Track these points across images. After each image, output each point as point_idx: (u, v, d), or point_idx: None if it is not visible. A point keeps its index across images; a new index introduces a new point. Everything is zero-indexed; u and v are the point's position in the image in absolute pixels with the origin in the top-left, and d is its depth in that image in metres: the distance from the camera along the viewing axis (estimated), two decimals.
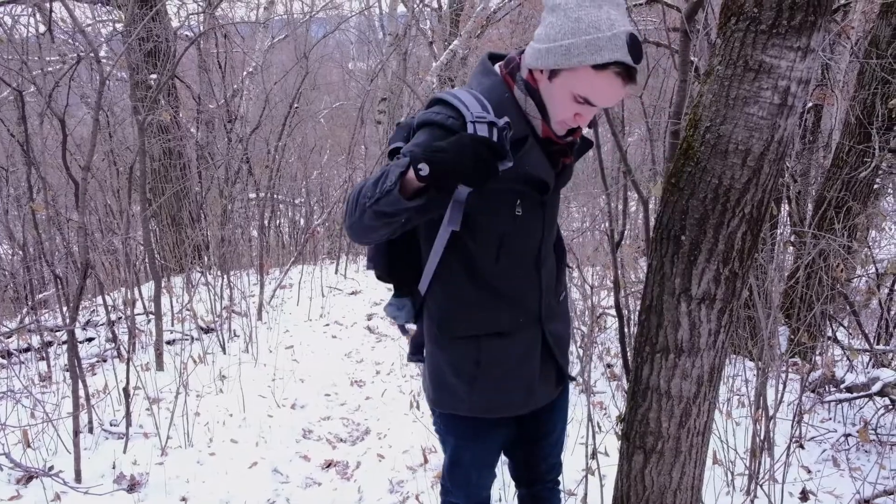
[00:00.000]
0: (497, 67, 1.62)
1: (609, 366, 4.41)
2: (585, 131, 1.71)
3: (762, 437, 2.81)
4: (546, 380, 1.80)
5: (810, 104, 6.09)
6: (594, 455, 2.76)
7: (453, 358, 1.73)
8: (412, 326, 1.87)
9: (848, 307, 4.75)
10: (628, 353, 2.66)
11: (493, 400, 1.74)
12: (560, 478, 2.09)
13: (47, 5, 5.50)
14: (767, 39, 1.48)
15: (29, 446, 3.19)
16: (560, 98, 1.50)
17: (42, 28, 5.86)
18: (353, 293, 7.06)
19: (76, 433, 3.01)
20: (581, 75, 1.44)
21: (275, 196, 8.61)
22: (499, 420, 1.81)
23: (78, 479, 3.01)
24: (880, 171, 4.88)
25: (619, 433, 1.97)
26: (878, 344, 4.43)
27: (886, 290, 4.89)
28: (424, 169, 1.34)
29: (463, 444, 1.85)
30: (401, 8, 11.78)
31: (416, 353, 1.89)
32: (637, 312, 2.17)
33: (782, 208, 5.25)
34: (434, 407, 1.84)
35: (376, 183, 1.40)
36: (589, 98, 1.47)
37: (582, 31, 1.41)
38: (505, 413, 1.79)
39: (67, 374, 3.73)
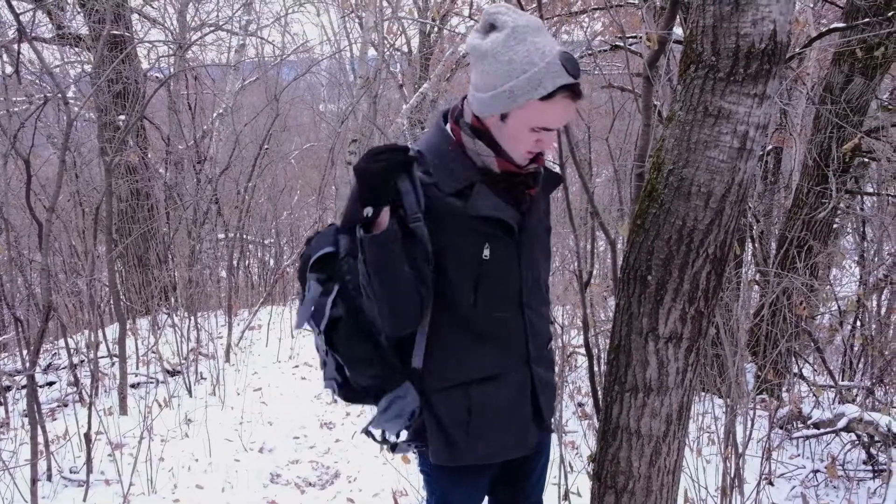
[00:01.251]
0: (448, 121, 1.66)
1: (580, 405, 4.41)
2: (551, 161, 1.75)
3: (732, 475, 2.82)
4: (537, 422, 1.79)
5: (770, 147, 6.29)
6: (567, 496, 2.75)
7: (446, 408, 1.68)
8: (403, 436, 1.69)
9: (812, 344, 4.84)
10: (598, 393, 2.67)
11: (491, 445, 1.71)
12: None
13: (15, 47, 5.48)
14: (725, 86, 1.54)
15: None
16: (517, 134, 1.54)
17: (9, 69, 5.82)
18: None
19: (34, 481, 2.91)
20: (532, 110, 1.49)
21: (244, 236, 8.55)
22: (490, 463, 1.79)
23: None
24: (839, 212, 5.03)
25: (591, 473, 1.97)
26: (842, 380, 4.52)
27: (849, 327, 5.01)
28: (368, 211, 1.45)
29: (451, 487, 1.82)
30: (371, 51, 11.93)
31: (415, 439, 1.75)
32: (606, 351, 2.18)
33: (746, 248, 5.37)
34: (436, 462, 1.74)
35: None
36: (547, 126, 1.52)
37: (519, 71, 1.45)
38: (502, 458, 1.76)
39: (26, 420, 3.61)
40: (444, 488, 1.83)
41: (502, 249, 1.63)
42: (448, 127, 1.63)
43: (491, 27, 1.52)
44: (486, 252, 1.60)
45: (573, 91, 1.47)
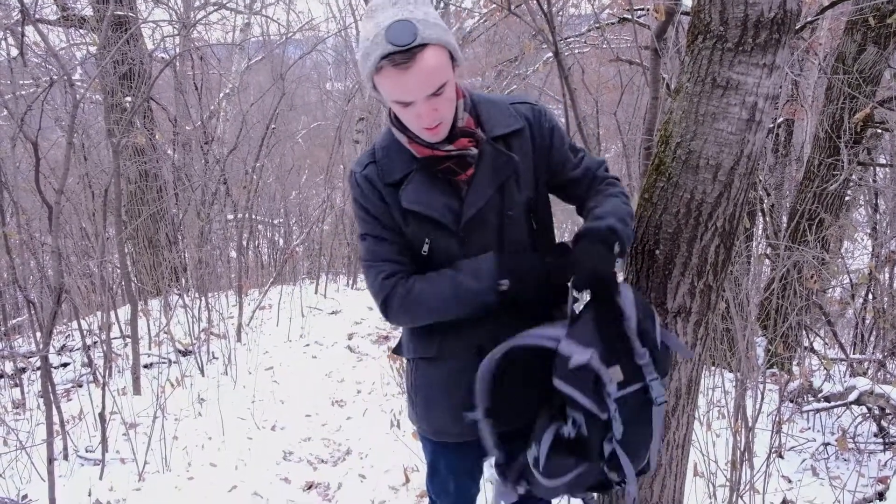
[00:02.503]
0: None
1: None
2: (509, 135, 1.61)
3: (742, 448, 2.82)
4: None
5: (781, 119, 6.21)
6: None
7: (406, 376, 1.84)
8: None
9: (823, 317, 4.82)
10: None
11: (430, 422, 1.79)
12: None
13: (20, 29, 5.46)
14: (734, 57, 1.52)
15: (0, 475, 3.12)
16: (395, 110, 1.51)
17: (14, 52, 5.81)
18: (333, 313, 7.02)
19: (50, 460, 2.95)
20: (379, 85, 1.45)
21: (253, 217, 8.57)
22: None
23: None
24: (850, 184, 4.98)
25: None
26: (853, 353, 4.50)
27: (860, 300, 4.98)
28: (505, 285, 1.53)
29: (437, 456, 1.87)
30: None
31: None
32: None
33: (757, 221, 5.33)
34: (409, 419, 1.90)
35: (455, 295, 1.56)
36: (397, 99, 1.45)
37: (360, 49, 1.45)
38: (444, 438, 1.79)
39: (41, 401, 3.66)
40: (432, 455, 1.90)
41: (443, 244, 1.60)
42: (389, 116, 1.62)
43: None
44: (426, 248, 1.60)
45: (394, 60, 1.38)
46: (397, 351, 1.86)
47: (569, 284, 1.50)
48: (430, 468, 1.91)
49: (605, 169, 1.71)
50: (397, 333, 6.04)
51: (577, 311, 1.51)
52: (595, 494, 1.68)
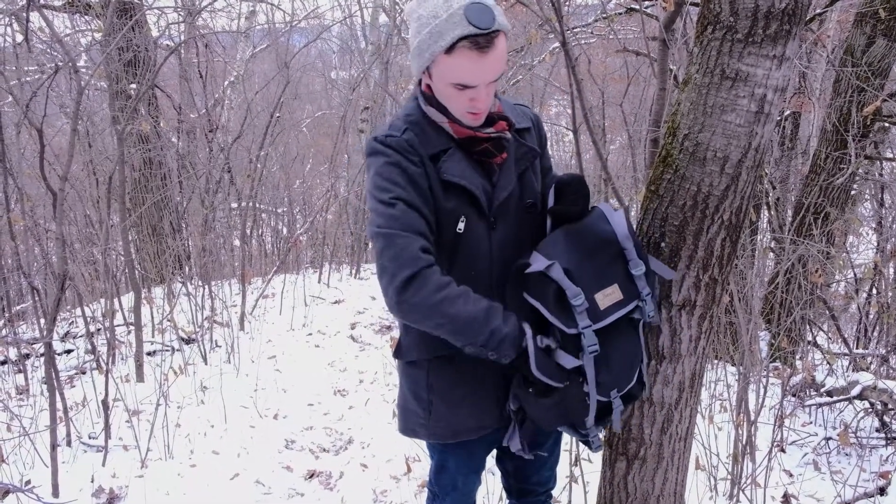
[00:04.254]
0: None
1: None
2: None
3: (744, 442, 2.83)
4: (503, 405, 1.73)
5: (788, 111, 6.18)
6: (577, 462, 2.76)
7: (411, 383, 1.73)
8: None
9: (827, 312, 4.80)
10: None
11: (451, 425, 1.71)
12: (552, 491, 2.07)
13: (25, 15, 5.45)
14: (744, 48, 1.50)
15: (3, 461, 3.13)
16: (446, 92, 1.49)
17: (19, 38, 5.80)
18: (336, 302, 7.02)
19: (53, 446, 2.96)
20: (442, 65, 1.43)
21: (257, 205, 8.56)
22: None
23: (55, 493, 2.96)
24: (857, 178, 4.95)
25: (602, 439, 1.97)
26: (857, 348, 4.49)
27: (864, 295, 4.96)
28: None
29: (447, 454, 1.84)
30: (382, 17, 11.80)
31: None
32: None
33: (762, 215, 5.31)
34: (402, 433, 1.81)
35: (482, 321, 1.46)
36: (461, 81, 1.44)
37: (424, 25, 1.42)
38: (463, 437, 1.74)
39: (45, 387, 3.67)
40: (441, 455, 1.86)
41: (475, 227, 1.58)
42: (419, 96, 1.59)
43: None
44: (461, 226, 1.56)
45: (476, 42, 1.37)
46: (398, 354, 1.74)
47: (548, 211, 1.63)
48: (437, 466, 1.89)
49: None
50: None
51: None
52: (601, 434, 1.69)
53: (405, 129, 1.55)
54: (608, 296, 1.51)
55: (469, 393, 1.67)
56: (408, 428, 1.78)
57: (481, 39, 1.37)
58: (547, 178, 1.76)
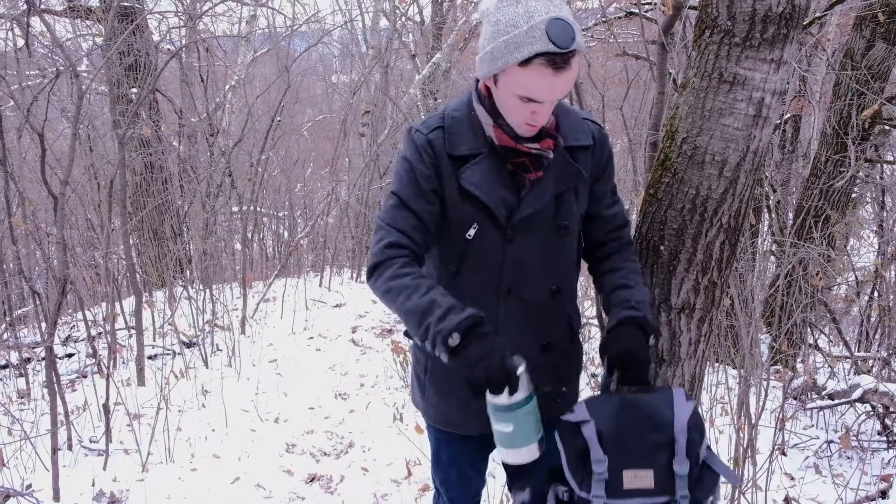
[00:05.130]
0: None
1: (594, 375, 4.42)
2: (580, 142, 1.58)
3: (745, 445, 2.82)
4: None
5: (789, 115, 6.19)
6: None
7: (415, 362, 1.80)
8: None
9: (828, 315, 4.80)
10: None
11: (439, 411, 1.76)
12: None
13: (25, 19, 5.47)
14: (741, 52, 1.51)
15: (4, 465, 3.14)
16: (509, 101, 1.46)
17: (20, 42, 5.82)
18: (337, 306, 7.02)
19: (54, 450, 2.96)
20: (512, 76, 1.41)
21: (258, 209, 8.58)
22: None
23: (56, 497, 2.97)
24: (858, 181, 4.96)
25: None
26: (858, 351, 4.49)
27: (866, 298, 4.96)
28: (455, 339, 1.38)
29: (440, 445, 1.86)
30: (383, 21, 11.82)
31: None
32: None
33: (763, 218, 5.32)
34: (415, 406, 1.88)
35: (421, 314, 1.43)
36: (529, 96, 1.41)
37: (501, 33, 1.39)
38: (452, 429, 1.76)
39: (46, 391, 3.68)
40: (436, 444, 1.88)
41: (488, 235, 1.57)
42: (475, 91, 1.58)
43: None
44: (472, 232, 1.55)
45: (553, 60, 1.35)
46: (409, 333, 1.75)
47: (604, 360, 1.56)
48: (434, 456, 1.91)
49: (629, 230, 1.72)
50: (402, 327, 6.04)
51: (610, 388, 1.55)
52: None
53: (436, 127, 1.56)
54: (638, 477, 1.40)
55: (459, 388, 1.65)
56: (413, 400, 1.86)
57: (558, 59, 1.35)
58: (606, 203, 1.68)
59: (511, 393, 1.37)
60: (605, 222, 1.68)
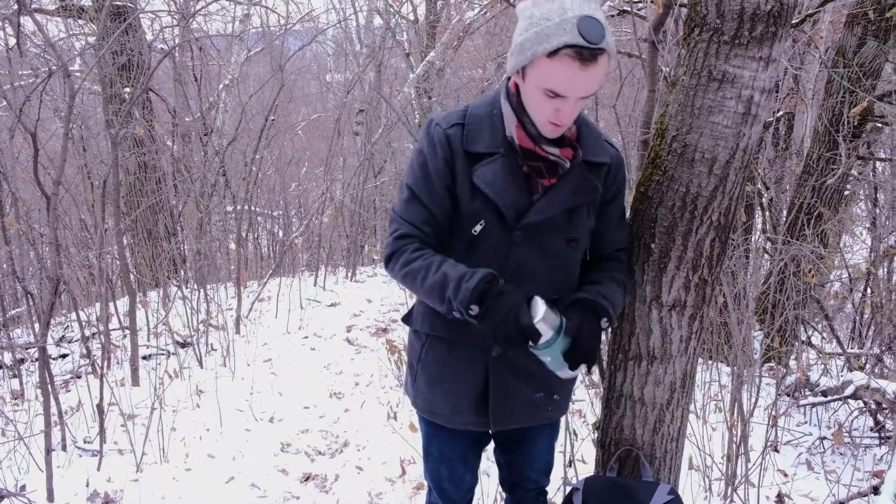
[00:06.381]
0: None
1: (587, 373, 4.43)
2: (604, 158, 1.61)
3: (738, 442, 2.83)
4: (478, 409, 1.75)
5: (782, 112, 6.20)
6: (571, 464, 2.77)
7: (410, 349, 1.82)
8: None
9: (821, 312, 4.82)
10: (604, 361, 2.67)
11: (428, 402, 1.78)
12: (547, 487, 2.06)
13: (16, 19, 5.44)
14: (730, 50, 1.51)
15: None
16: (534, 96, 1.48)
17: (12, 42, 5.80)
18: (331, 305, 7.02)
19: (48, 451, 2.96)
20: (539, 67, 1.43)
21: (252, 209, 8.56)
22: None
23: (50, 497, 2.96)
24: (850, 178, 4.98)
25: (595, 440, 1.98)
26: (850, 347, 4.51)
27: (858, 295, 4.98)
28: (475, 310, 1.48)
29: (431, 438, 1.87)
30: (377, 20, 11.81)
31: None
32: None
33: (756, 215, 5.33)
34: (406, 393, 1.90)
35: (440, 291, 1.52)
36: (554, 89, 1.43)
37: (534, 25, 1.42)
38: (439, 420, 1.79)
39: (40, 392, 3.67)
40: (427, 437, 1.90)
41: (494, 234, 1.59)
42: (504, 88, 1.60)
43: None
44: (478, 228, 1.58)
45: (581, 53, 1.37)
46: (407, 320, 1.81)
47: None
48: (424, 451, 1.92)
49: (626, 252, 1.75)
50: (396, 326, 6.04)
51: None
52: None
53: (455, 123, 1.59)
54: None
55: (449, 379, 1.71)
56: (405, 388, 1.88)
57: (586, 52, 1.38)
58: (613, 225, 1.71)
59: (535, 342, 1.49)
60: (609, 243, 1.72)
